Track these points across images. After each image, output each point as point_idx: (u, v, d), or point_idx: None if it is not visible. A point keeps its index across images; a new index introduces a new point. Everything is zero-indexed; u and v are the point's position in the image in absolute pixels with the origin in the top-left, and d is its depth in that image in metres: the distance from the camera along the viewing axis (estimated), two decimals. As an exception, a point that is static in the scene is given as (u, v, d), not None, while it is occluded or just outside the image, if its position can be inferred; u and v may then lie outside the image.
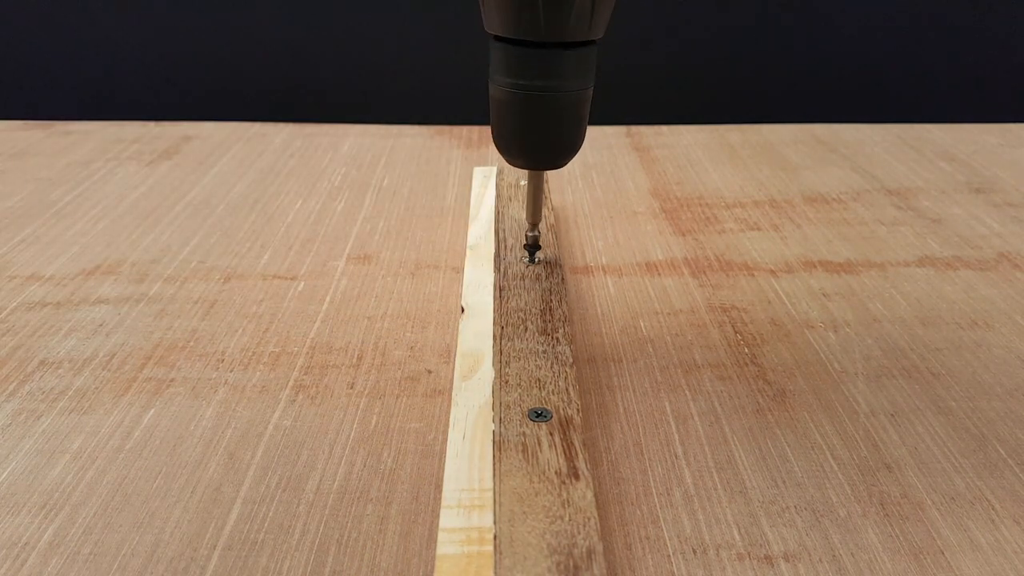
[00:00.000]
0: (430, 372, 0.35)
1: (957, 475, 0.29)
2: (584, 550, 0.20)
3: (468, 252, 0.38)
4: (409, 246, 0.46)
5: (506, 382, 0.27)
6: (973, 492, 0.29)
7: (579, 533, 0.21)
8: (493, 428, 0.25)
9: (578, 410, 0.26)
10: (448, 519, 0.23)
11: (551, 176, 0.56)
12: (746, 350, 0.36)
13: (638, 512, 0.28)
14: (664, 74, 0.80)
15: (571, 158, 0.32)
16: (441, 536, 0.23)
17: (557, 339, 0.29)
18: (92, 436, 0.31)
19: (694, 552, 0.26)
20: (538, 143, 0.31)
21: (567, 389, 0.27)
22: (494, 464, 0.23)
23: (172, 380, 0.34)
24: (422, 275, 0.43)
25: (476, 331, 0.32)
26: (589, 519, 0.21)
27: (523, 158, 0.32)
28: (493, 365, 0.28)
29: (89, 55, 0.76)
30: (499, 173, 0.48)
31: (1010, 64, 0.80)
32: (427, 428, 0.31)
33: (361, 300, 0.40)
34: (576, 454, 0.24)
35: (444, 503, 0.24)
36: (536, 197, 0.35)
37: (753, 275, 0.43)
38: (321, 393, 0.33)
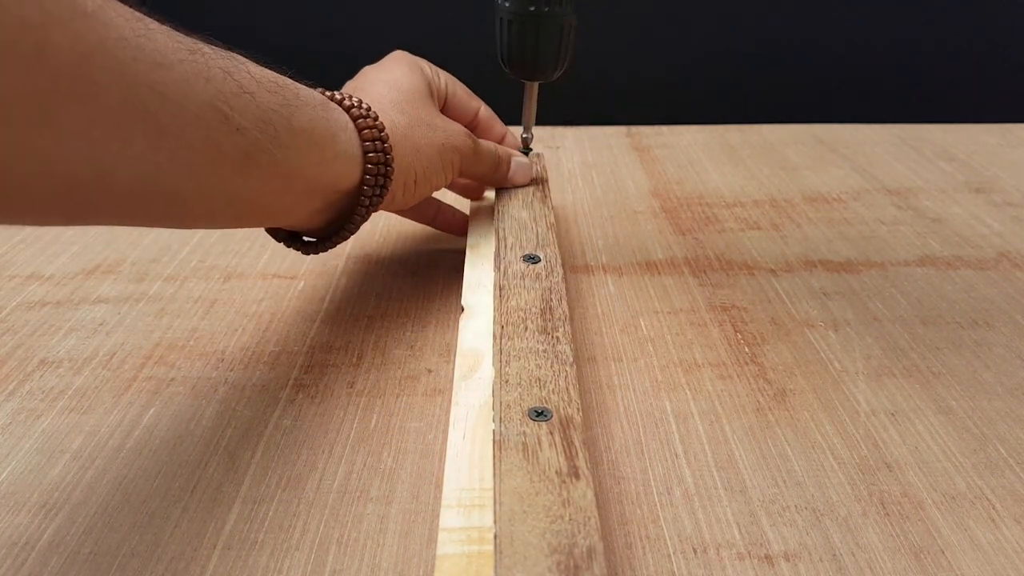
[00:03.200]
0: (430, 371, 0.35)
1: (958, 474, 0.29)
2: (584, 549, 0.20)
3: (468, 251, 0.38)
4: (409, 245, 0.46)
5: (506, 381, 0.27)
6: (974, 491, 0.29)
7: (579, 532, 0.21)
8: (493, 427, 0.25)
9: (578, 409, 0.26)
10: (448, 519, 0.23)
11: (551, 175, 0.56)
12: (746, 349, 0.36)
13: (638, 511, 0.28)
14: (664, 74, 0.80)
15: (557, 74, 0.40)
16: (441, 536, 0.22)
17: (557, 338, 0.29)
18: (92, 436, 0.31)
19: (694, 551, 0.26)
20: (534, 59, 0.39)
21: (567, 388, 0.27)
22: (494, 463, 0.23)
23: (172, 379, 0.34)
24: (422, 274, 0.43)
25: (476, 330, 0.32)
26: (589, 518, 0.21)
27: (522, 70, 0.40)
28: (493, 364, 0.28)
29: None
30: None
31: (1010, 64, 0.80)
32: (427, 427, 0.31)
33: (361, 299, 0.40)
34: (576, 453, 0.24)
35: (444, 503, 0.24)
36: (531, 108, 0.43)
37: (753, 274, 0.43)
38: (321, 392, 0.33)
